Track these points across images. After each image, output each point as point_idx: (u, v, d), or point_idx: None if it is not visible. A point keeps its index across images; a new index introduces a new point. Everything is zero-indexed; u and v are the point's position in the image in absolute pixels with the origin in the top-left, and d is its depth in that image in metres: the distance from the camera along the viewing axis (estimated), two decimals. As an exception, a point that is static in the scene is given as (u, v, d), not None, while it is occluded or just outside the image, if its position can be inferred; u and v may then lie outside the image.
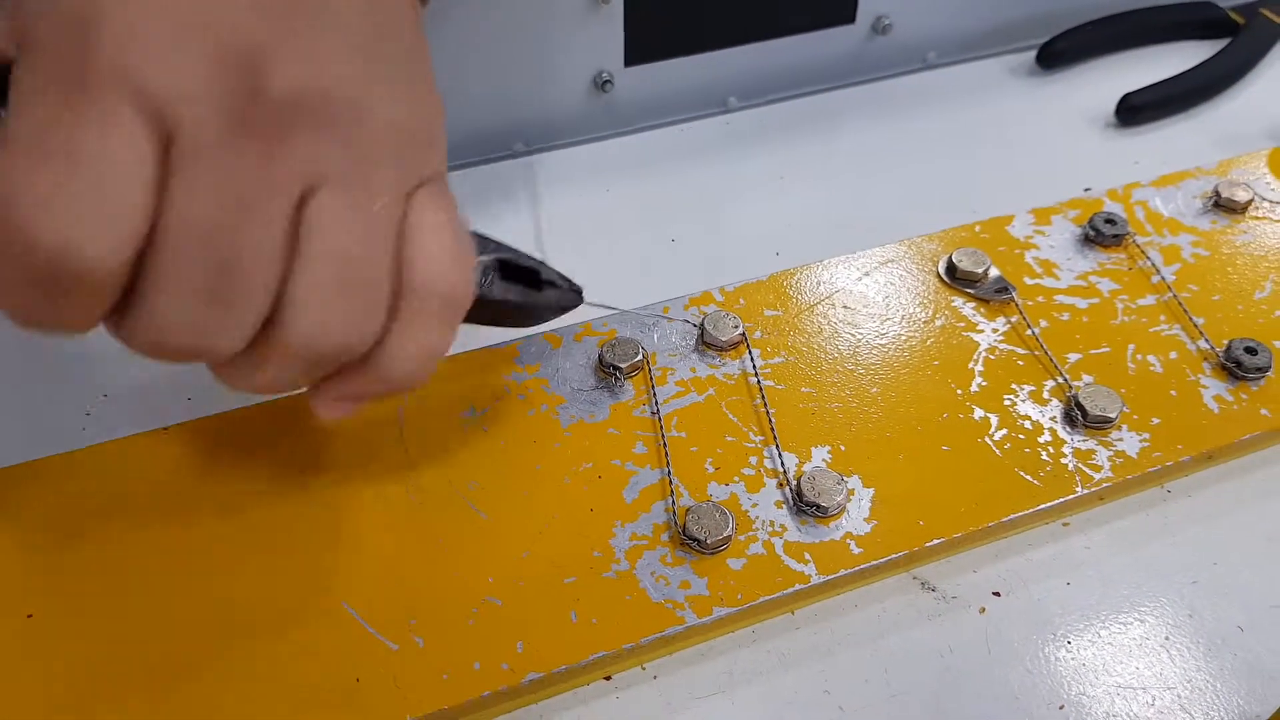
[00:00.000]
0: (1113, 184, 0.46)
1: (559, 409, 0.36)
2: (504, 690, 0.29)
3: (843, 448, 0.35)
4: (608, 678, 0.31)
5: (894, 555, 0.32)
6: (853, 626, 0.32)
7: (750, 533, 0.33)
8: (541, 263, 0.34)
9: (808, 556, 0.32)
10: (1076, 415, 0.36)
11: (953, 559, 0.34)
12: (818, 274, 0.41)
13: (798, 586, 0.31)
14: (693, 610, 0.31)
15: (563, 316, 0.34)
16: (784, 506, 0.34)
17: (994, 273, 0.41)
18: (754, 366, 0.38)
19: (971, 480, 0.34)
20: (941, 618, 0.33)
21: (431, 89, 0.28)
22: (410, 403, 0.36)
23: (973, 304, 0.40)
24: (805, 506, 0.33)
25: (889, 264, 0.42)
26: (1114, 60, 0.57)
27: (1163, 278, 0.41)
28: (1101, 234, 0.42)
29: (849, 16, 0.53)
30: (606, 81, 0.50)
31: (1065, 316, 0.40)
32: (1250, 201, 0.44)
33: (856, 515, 0.33)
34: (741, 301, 0.40)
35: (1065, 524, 0.35)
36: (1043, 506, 0.34)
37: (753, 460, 0.35)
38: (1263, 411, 0.36)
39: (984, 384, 0.37)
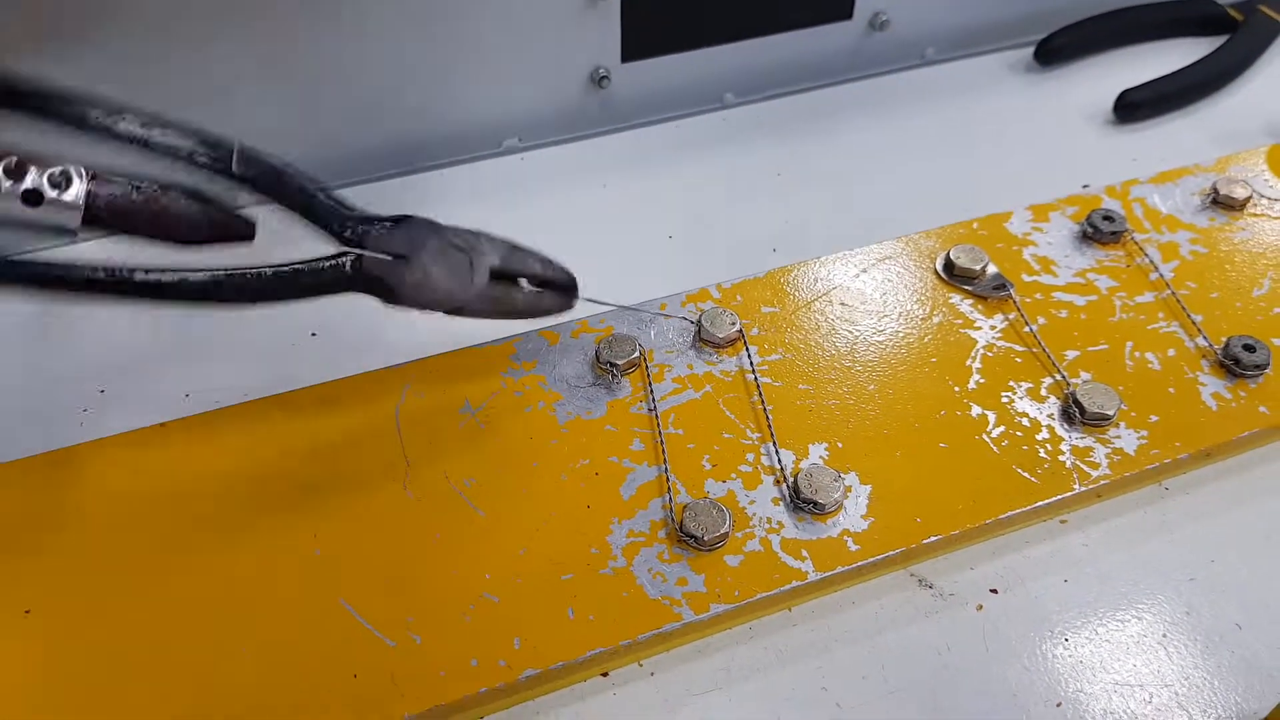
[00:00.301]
0: (1111, 181, 0.46)
1: (556, 406, 0.36)
2: (501, 687, 0.29)
3: (840, 445, 0.35)
4: (605, 674, 0.31)
5: (891, 552, 0.32)
6: (850, 623, 0.32)
7: (747, 529, 0.33)
8: (545, 259, 0.34)
9: (805, 553, 0.32)
10: (1074, 412, 0.36)
11: (950, 556, 0.34)
12: (815, 271, 0.41)
13: (795, 583, 0.31)
14: (690, 607, 0.31)
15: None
16: (781, 503, 0.33)
17: (992, 270, 0.41)
18: (751, 363, 0.38)
19: (969, 477, 0.34)
20: (939, 615, 0.32)
21: None
22: (407, 400, 0.36)
23: (970, 301, 0.40)
24: (802, 503, 0.33)
25: (886, 261, 0.42)
26: (1112, 57, 0.57)
27: (1161, 275, 0.41)
28: (1100, 231, 0.42)
29: (846, 12, 0.53)
30: (603, 77, 0.50)
31: (1063, 313, 0.40)
32: (1248, 198, 0.44)
33: (854, 512, 0.33)
34: (739, 298, 0.40)
35: (1063, 521, 0.35)
36: (1040, 504, 0.34)
37: (750, 457, 0.35)
38: (1261, 409, 0.36)
39: (981, 381, 0.37)
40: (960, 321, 0.39)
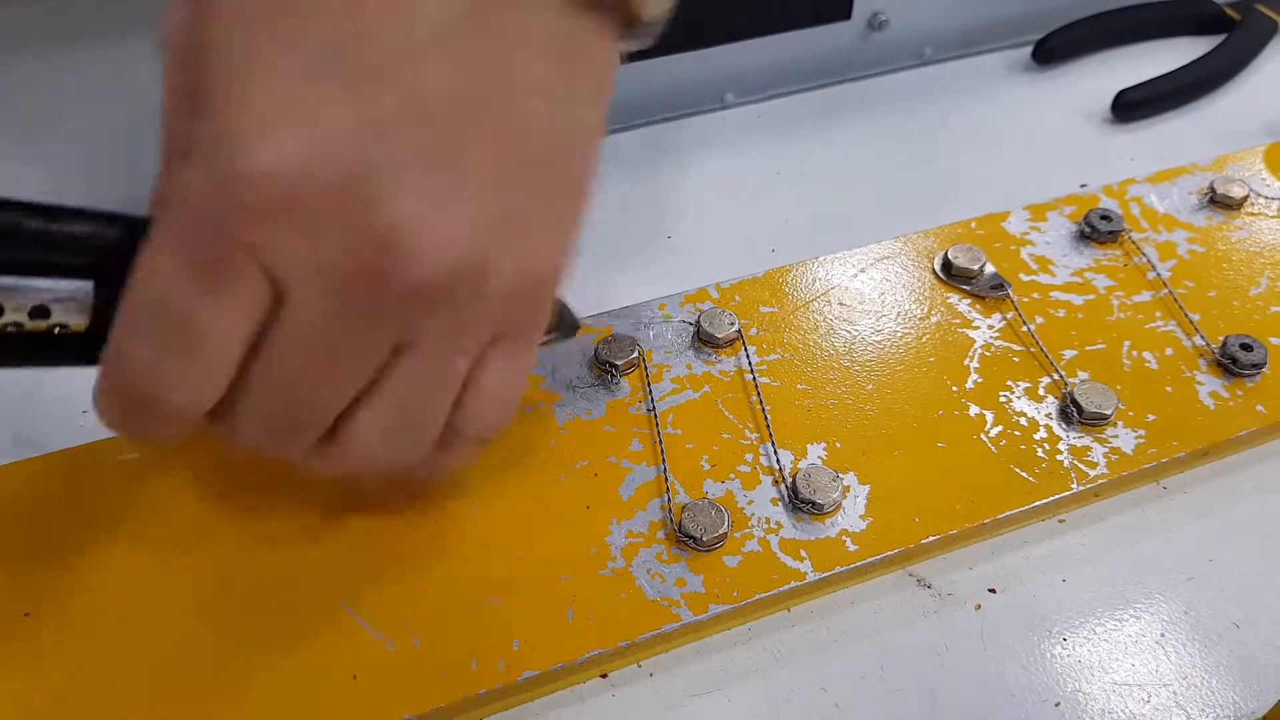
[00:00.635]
0: (1108, 180, 0.46)
1: (555, 406, 0.36)
2: (500, 688, 0.29)
3: (838, 445, 0.35)
4: (604, 675, 0.31)
5: (890, 552, 0.32)
6: (849, 623, 0.32)
7: (746, 530, 0.33)
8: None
9: (803, 554, 0.32)
10: (1072, 412, 0.36)
11: (949, 556, 0.34)
12: (813, 271, 0.41)
13: (793, 584, 0.31)
14: (689, 608, 0.31)
15: None
16: (780, 504, 0.34)
17: (989, 269, 0.41)
18: (750, 364, 0.38)
19: (967, 477, 0.34)
20: (937, 614, 0.33)
21: (570, 239, 0.27)
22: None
23: (968, 300, 0.40)
24: (801, 504, 0.33)
25: (885, 260, 0.42)
26: (1110, 56, 0.57)
27: (1158, 274, 0.41)
28: (1097, 230, 0.42)
29: (845, 13, 0.53)
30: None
31: (1061, 313, 0.40)
32: (1246, 197, 0.44)
33: (852, 512, 0.33)
34: (737, 298, 0.40)
35: (1061, 521, 0.35)
36: (1038, 503, 0.34)
37: (748, 457, 0.35)
38: (1258, 407, 0.36)
39: (979, 381, 0.37)
40: (958, 321, 0.39)
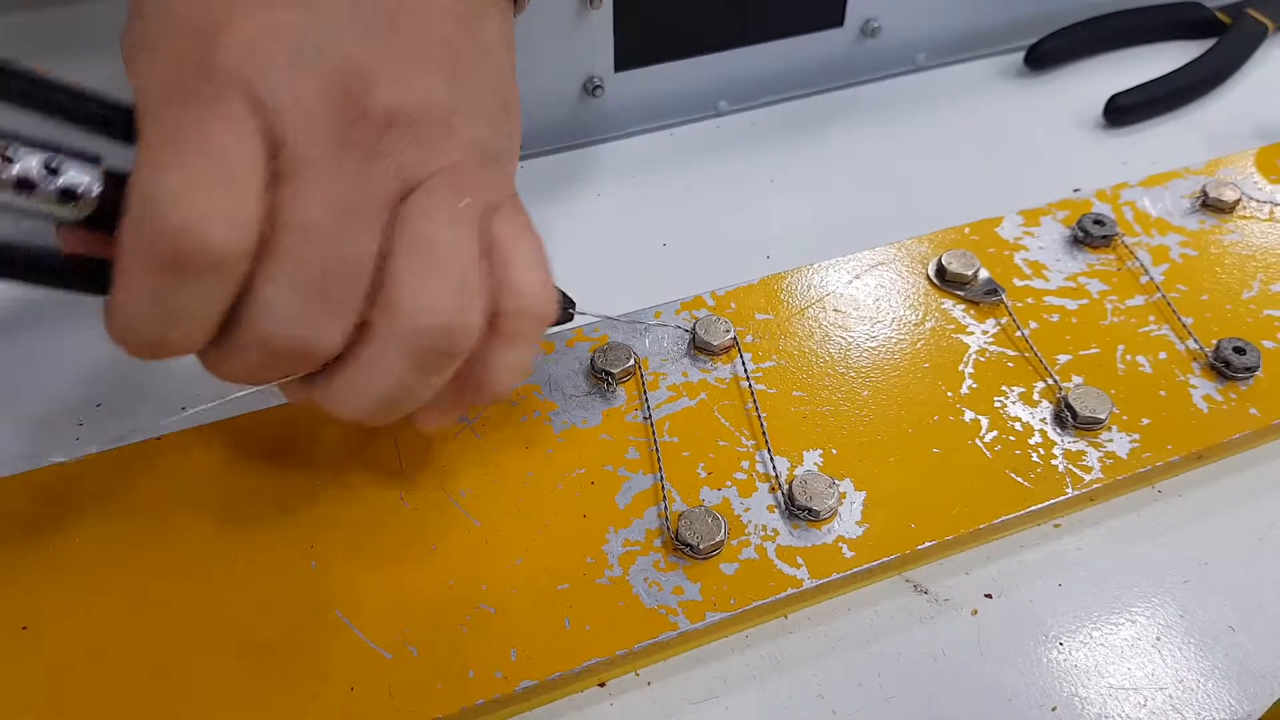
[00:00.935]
0: (1101, 185, 0.46)
1: (551, 415, 0.36)
2: (498, 698, 0.29)
3: (834, 451, 0.35)
4: (602, 684, 0.31)
5: (886, 558, 0.32)
6: (846, 630, 0.32)
7: (743, 537, 0.33)
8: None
9: (800, 560, 0.32)
10: (1066, 416, 0.36)
11: (945, 561, 0.34)
12: (809, 277, 0.41)
13: (790, 590, 0.32)
14: (686, 616, 0.31)
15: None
16: (776, 511, 0.34)
17: (983, 275, 0.41)
18: (745, 371, 0.38)
19: (963, 482, 0.34)
20: (934, 620, 0.33)
21: (513, 113, 0.30)
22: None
23: (962, 306, 0.40)
24: (797, 510, 0.33)
25: (879, 267, 0.42)
26: (1102, 61, 0.57)
27: (1151, 278, 0.41)
28: (1090, 235, 0.43)
29: (838, 20, 0.54)
30: (597, 87, 0.50)
31: (1055, 318, 0.40)
32: (1238, 201, 0.44)
33: (848, 519, 0.33)
34: (733, 305, 0.40)
35: (1056, 525, 0.35)
36: (1034, 508, 0.34)
37: (745, 465, 0.35)
38: (1252, 411, 0.37)
39: (974, 386, 0.37)
40: (952, 327, 0.39)
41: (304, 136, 0.24)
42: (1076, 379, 0.37)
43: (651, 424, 0.36)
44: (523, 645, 0.30)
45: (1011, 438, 0.36)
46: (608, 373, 0.37)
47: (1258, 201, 0.45)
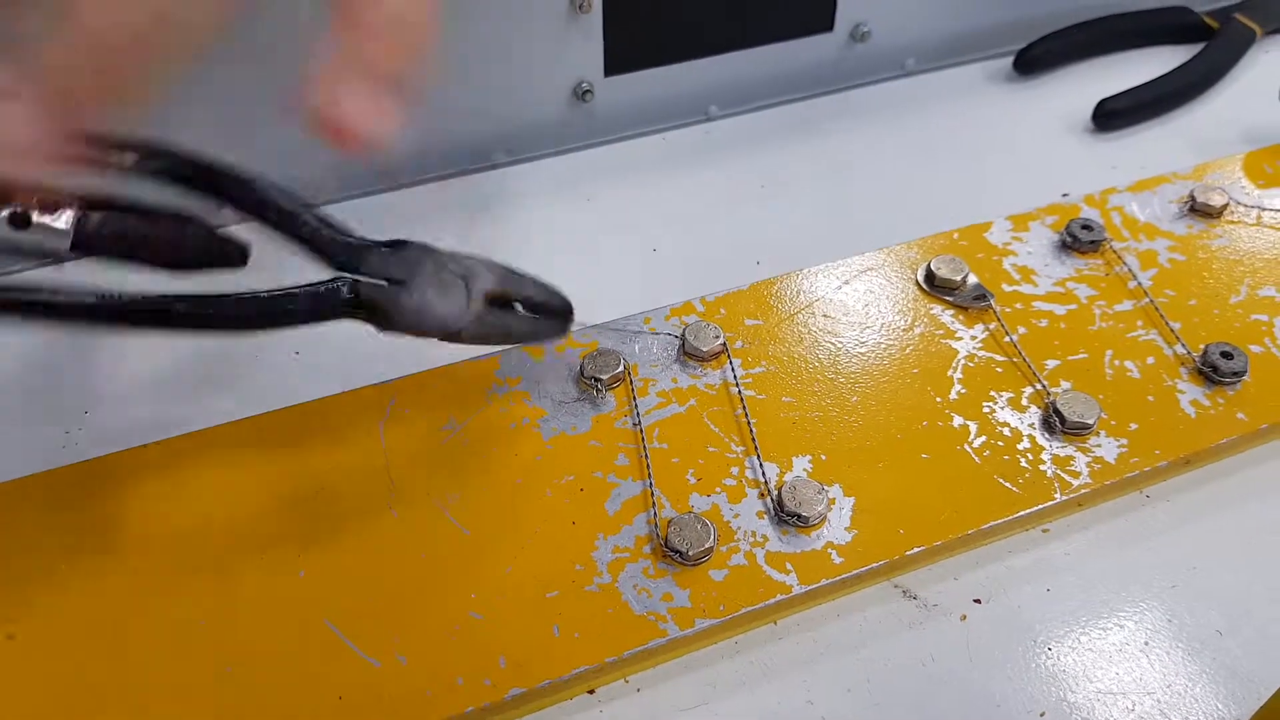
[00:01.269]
0: (1090, 189, 0.46)
1: (540, 422, 0.36)
2: (487, 706, 0.29)
3: (824, 457, 0.35)
4: (591, 691, 0.31)
5: (875, 564, 0.32)
6: (835, 636, 0.32)
7: (732, 543, 0.33)
8: (541, 284, 0.34)
9: (789, 566, 0.32)
10: (1055, 422, 0.36)
11: (934, 567, 0.34)
12: (798, 283, 0.42)
13: (779, 597, 0.32)
14: (675, 622, 0.31)
15: None
16: (765, 517, 0.34)
17: (972, 280, 0.41)
18: (735, 377, 0.38)
19: (951, 488, 0.34)
20: (923, 626, 0.33)
21: None
22: (391, 417, 0.36)
23: (951, 311, 0.40)
24: (786, 516, 0.33)
25: (868, 272, 0.42)
26: (1091, 66, 0.57)
27: (1139, 283, 0.41)
28: (1079, 240, 0.43)
29: (828, 24, 0.54)
30: (586, 91, 0.50)
31: (1043, 323, 0.40)
32: (1226, 206, 0.44)
33: (837, 524, 0.33)
34: (723, 311, 0.40)
35: (1045, 530, 0.35)
36: (1022, 513, 0.34)
37: (734, 471, 0.35)
38: (1239, 415, 0.37)
39: (963, 391, 0.37)
40: (941, 332, 0.40)
41: None
42: (1065, 384, 0.38)
43: (641, 430, 0.36)
44: (512, 653, 0.30)
45: (1000, 443, 0.36)
46: (597, 379, 0.37)
47: (1245, 206, 0.45)
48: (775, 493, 0.34)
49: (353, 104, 0.25)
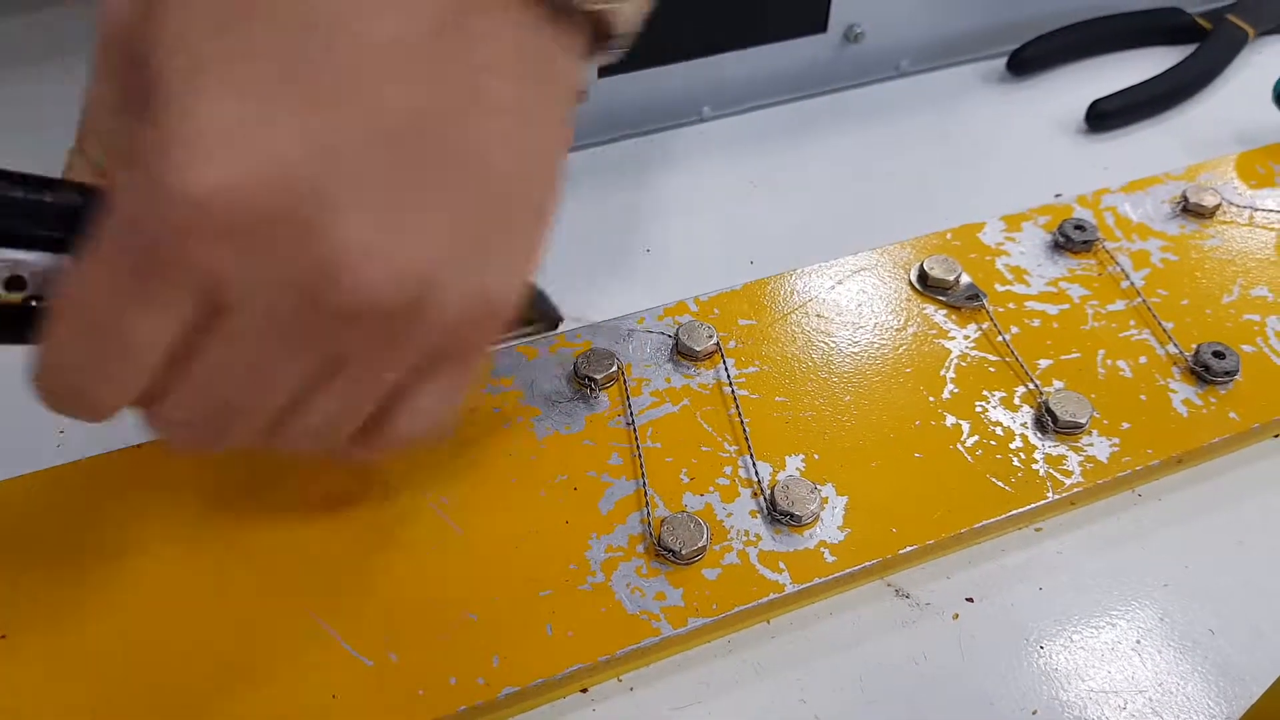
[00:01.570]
0: (1083, 190, 0.46)
1: (534, 421, 0.36)
2: (480, 705, 0.29)
3: (816, 456, 0.35)
4: (584, 690, 0.31)
5: (868, 563, 0.32)
6: (828, 634, 0.32)
7: (725, 543, 0.33)
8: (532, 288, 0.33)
9: (782, 565, 0.32)
10: (1047, 421, 0.36)
11: (926, 566, 0.34)
12: (791, 283, 0.42)
13: (772, 595, 0.32)
14: (668, 621, 0.31)
15: None
16: (758, 516, 0.34)
17: (965, 280, 0.41)
18: (728, 376, 0.38)
19: (944, 487, 0.34)
20: (915, 624, 0.33)
21: (527, 265, 0.26)
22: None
23: (944, 311, 0.40)
24: (779, 515, 0.33)
25: (862, 272, 0.42)
26: (1084, 66, 0.57)
27: (1132, 283, 0.41)
28: (1071, 240, 0.43)
29: (821, 25, 0.54)
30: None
31: (1036, 323, 0.40)
32: (1218, 206, 0.45)
33: (830, 523, 0.33)
34: (716, 311, 0.40)
35: (1037, 529, 0.35)
36: (1015, 512, 0.34)
37: (727, 470, 0.35)
38: (1231, 415, 0.37)
39: (956, 391, 0.37)
40: (934, 332, 0.40)
41: (241, 320, 0.22)
42: (1057, 383, 0.38)
43: (634, 429, 0.36)
44: (505, 651, 0.30)
45: (993, 442, 0.36)
46: (590, 378, 0.37)
47: (1238, 206, 0.45)
48: (768, 492, 0.34)
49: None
